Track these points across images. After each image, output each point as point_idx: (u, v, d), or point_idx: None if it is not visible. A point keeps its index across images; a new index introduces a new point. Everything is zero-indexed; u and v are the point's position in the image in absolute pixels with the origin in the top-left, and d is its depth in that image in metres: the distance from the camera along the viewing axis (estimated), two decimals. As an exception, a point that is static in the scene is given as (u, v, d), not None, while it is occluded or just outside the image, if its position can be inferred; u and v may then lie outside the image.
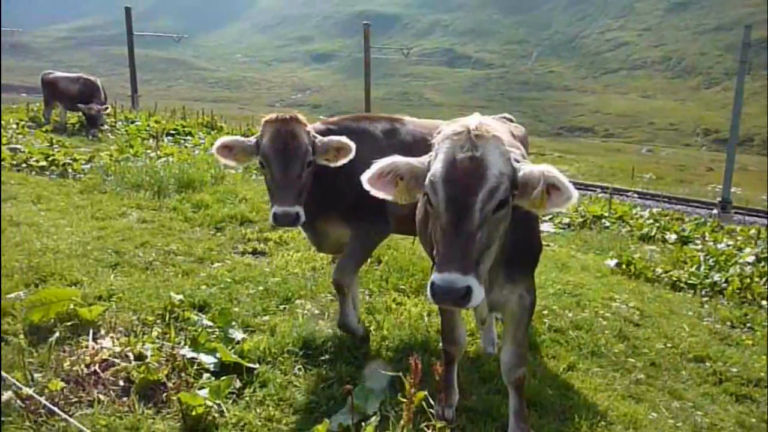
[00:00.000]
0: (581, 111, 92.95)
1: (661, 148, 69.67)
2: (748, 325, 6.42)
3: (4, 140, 11.90)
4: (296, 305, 4.97)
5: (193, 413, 3.20)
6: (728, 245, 10.43)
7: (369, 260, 5.71)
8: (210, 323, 4.22)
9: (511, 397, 3.41)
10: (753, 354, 5.52)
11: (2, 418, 2.98)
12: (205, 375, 3.65)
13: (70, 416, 3.07)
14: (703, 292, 7.54)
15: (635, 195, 23.65)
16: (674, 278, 7.89)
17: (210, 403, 3.26)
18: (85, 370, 3.49)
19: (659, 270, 8.14)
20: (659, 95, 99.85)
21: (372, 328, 4.73)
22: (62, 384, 3.31)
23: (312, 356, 4.14)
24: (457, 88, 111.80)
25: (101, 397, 3.31)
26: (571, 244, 9.89)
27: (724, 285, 7.66)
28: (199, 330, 4.05)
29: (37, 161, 10.22)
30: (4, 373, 3.20)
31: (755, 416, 4.40)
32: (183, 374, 3.55)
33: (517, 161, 2.60)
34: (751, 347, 5.73)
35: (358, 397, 3.41)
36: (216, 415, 3.29)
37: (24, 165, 10.09)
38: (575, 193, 2.49)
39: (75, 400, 3.28)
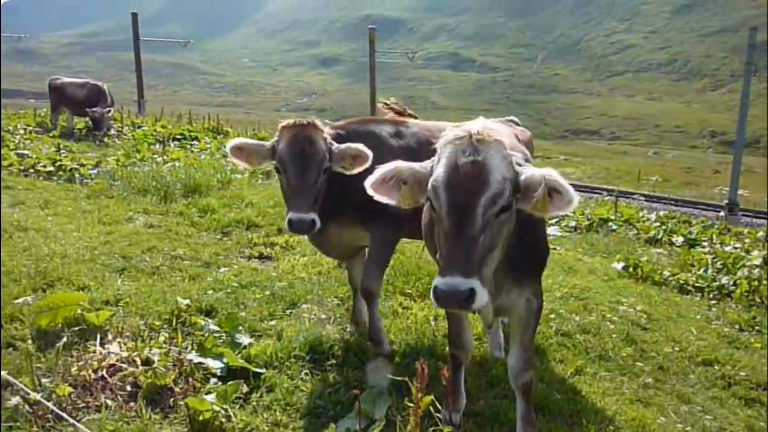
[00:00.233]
0: (587, 114, 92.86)
1: (667, 151, 69.49)
2: (757, 328, 6.38)
3: (11, 145, 11.98)
4: (303, 310, 4.97)
5: (200, 418, 3.20)
6: (736, 248, 10.36)
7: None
8: (217, 328, 4.23)
9: (519, 402, 3.40)
10: (762, 357, 5.48)
11: (6, 423, 2.98)
12: (212, 380, 3.65)
13: (78, 421, 3.08)
14: (711, 295, 7.49)
15: (642, 198, 23.57)
16: (681, 281, 7.85)
17: (217, 408, 3.26)
18: (93, 375, 3.50)
19: (666, 273, 8.10)
20: (665, 98, 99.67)
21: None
22: (70, 389, 3.32)
23: (319, 361, 4.14)
24: (462, 92, 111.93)
25: (109, 402, 3.32)
26: (577, 247, 9.86)
27: (732, 288, 7.61)
28: (206, 335, 4.06)
29: (45, 166, 10.27)
30: (11, 379, 3.21)
31: (764, 420, 4.37)
32: (190, 379, 3.56)
33: (519, 164, 2.60)
34: (760, 350, 5.70)
35: (366, 402, 3.40)
36: (223, 420, 3.29)
37: (31, 170, 10.14)
38: (576, 197, 2.49)
39: (82, 405, 3.29)
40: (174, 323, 4.35)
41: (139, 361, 3.71)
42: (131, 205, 8.05)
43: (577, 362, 4.74)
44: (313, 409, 3.57)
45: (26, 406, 3.08)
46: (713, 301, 7.28)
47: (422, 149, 3.69)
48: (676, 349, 5.40)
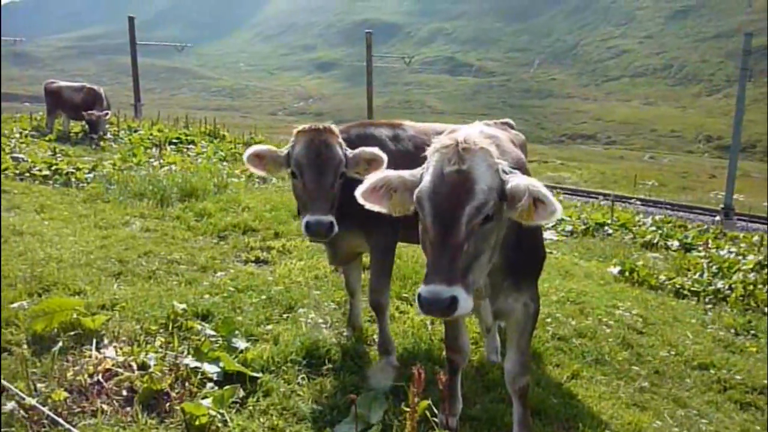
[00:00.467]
0: (583, 118, 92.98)
1: (663, 155, 69.59)
2: (752, 332, 6.40)
3: (7, 149, 11.95)
4: (299, 314, 4.96)
5: (197, 423, 3.19)
6: (731, 252, 10.40)
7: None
8: (213, 332, 4.22)
9: (515, 406, 3.41)
10: (757, 361, 5.51)
11: (2, 429, 2.98)
12: (209, 384, 3.64)
13: (74, 426, 3.07)
14: (707, 300, 7.51)
15: (638, 202, 23.56)
16: (677, 285, 7.87)
17: (213, 413, 3.25)
18: (89, 380, 3.49)
19: (662, 277, 8.13)
20: (661, 102, 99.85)
21: (375, 337, 4.73)
22: (65, 394, 3.31)
23: (315, 365, 4.14)
24: (459, 96, 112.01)
25: (104, 407, 3.31)
26: (574, 251, 9.87)
27: (728, 292, 7.64)
28: (203, 339, 4.05)
29: (41, 170, 10.25)
30: (7, 384, 3.20)
31: (760, 424, 4.39)
32: (186, 384, 3.55)
33: (506, 172, 2.61)
34: (755, 354, 5.72)
35: (362, 407, 3.41)
36: (219, 424, 3.29)
37: (27, 174, 10.11)
38: (559, 207, 2.51)
39: (78, 410, 3.28)
40: (170, 328, 4.33)
41: (135, 366, 3.70)
42: (127, 209, 8.04)
43: (574, 366, 4.75)
44: (310, 414, 3.56)
45: (22, 411, 3.07)
46: (709, 306, 7.30)
47: (419, 152, 3.70)
48: (672, 353, 5.42)
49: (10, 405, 3.07)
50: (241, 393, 3.61)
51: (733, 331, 6.39)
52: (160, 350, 3.94)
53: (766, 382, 5.03)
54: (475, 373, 4.42)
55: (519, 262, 3.00)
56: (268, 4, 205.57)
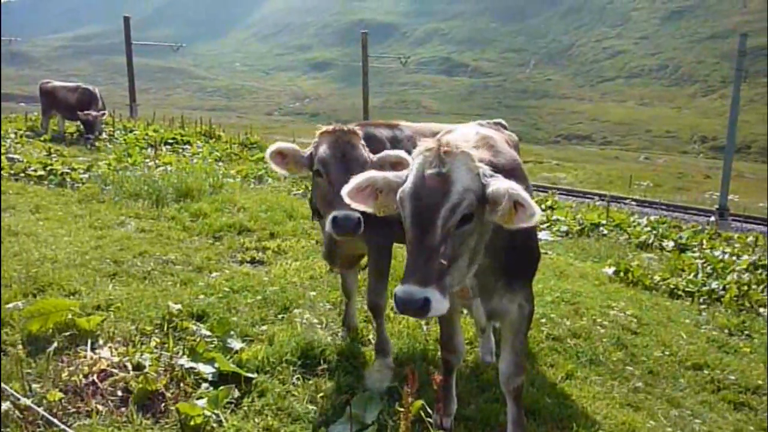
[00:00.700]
0: (579, 119, 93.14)
1: (658, 156, 69.76)
2: (746, 332, 6.43)
3: (3, 149, 11.91)
4: (295, 314, 4.97)
5: (192, 423, 3.20)
6: (725, 253, 10.44)
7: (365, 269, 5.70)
8: (208, 333, 4.22)
9: (509, 406, 3.42)
10: (751, 362, 5.53)
11: (1, 429, 2.98)
12: (204, 385, 3.64)
13: (69, 427, 3.07)
14: (701, 300, 7.54)
15: (633, 203, 23.63)
16: (672, 286, 7.90)
17: (208, 413, 3.26)
18: (84, 381, 3.49)
19: (657, 278, 8.15)
20: (656, 103, 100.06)
21: (370, 337, 4.74)
22: (60, 394, 3.32)
23: (310, 366, 4.14)
24: (455, 97, 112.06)
25: (99, 407, 3.31)
26: (568, 252, 9.91)
27: (722, 292, 7.67)
28: (198, 339, 4.06)
29: (36, 171, 10.22)
30: (2, 384, 3.19)
31: (753, 424, 4.41)
32: (181, 384, 3.56)
33: (487, 176, 2.63)
34: (749, 355, 5.75)
35: (357, 407, 3.42)
36: (214, 425, 3.29)
37: (22, 174, 10.09)
38: (538, 211, 2.54)
39: (73, 410, 3.28)
40: (165, 328, 4.34)
41: (130, 366, 3.70)
42: (123, 209, 8.03)
43: (568, 366, 4.77)
44: (305, 414, 3.57)
45: (17, 412, 3.07)
46: (703, 306, 7.33)
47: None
48: (666, 353, 5.44)
49: (5, 405, 3.07)
50: (236, 393, 3.62)
51: (726, 331, 6.42)
52: (155, 351, 3.95)
53: (759, 382, 5.06)
54: (469, 373, 4.44)
55: (513, 263, 3.02)
56: (263, 4, 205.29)
